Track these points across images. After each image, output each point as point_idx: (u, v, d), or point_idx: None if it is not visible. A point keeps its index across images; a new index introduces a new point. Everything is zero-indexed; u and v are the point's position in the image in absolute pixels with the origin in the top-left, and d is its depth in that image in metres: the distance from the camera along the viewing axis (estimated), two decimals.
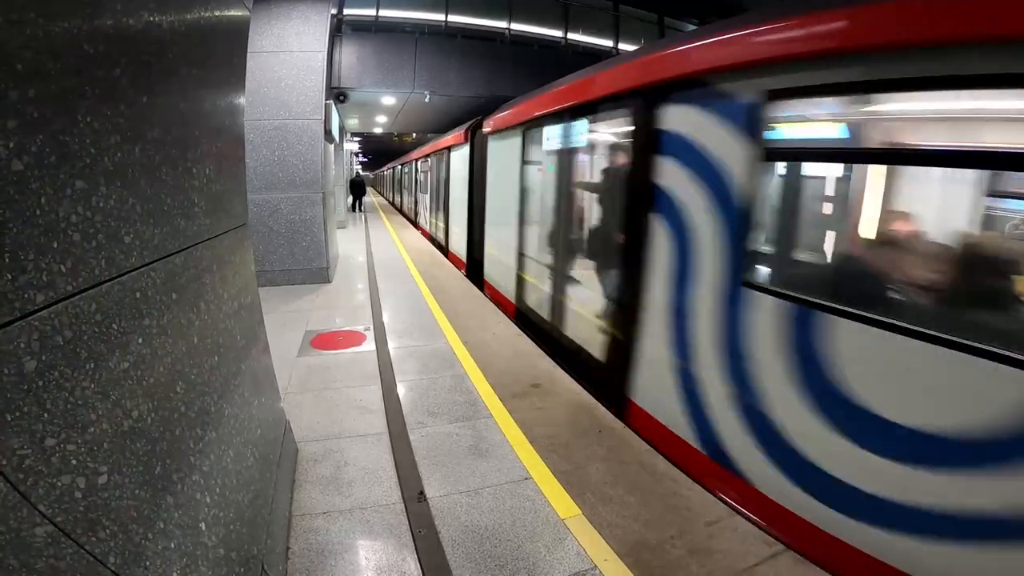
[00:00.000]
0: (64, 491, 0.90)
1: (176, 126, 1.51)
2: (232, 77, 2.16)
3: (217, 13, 1.86)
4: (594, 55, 14.14)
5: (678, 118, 3.42)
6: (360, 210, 22.88)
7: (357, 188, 23.14)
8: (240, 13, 2.18)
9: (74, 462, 0.93)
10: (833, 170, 3.35)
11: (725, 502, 2.90)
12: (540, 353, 5.17)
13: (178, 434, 1.36)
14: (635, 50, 4.82)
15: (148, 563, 1.13)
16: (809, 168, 3.32)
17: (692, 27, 16.42)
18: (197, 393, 1.53)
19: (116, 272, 1.13)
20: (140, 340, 1.21)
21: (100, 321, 1.06)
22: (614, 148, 4.65)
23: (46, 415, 0.88)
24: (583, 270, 5.16)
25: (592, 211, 5.04)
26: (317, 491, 2.86)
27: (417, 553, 2.44)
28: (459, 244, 10.43)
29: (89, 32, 1.05)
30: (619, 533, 2.60)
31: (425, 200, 15.89)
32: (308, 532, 2.54)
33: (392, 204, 30.64)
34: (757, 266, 3.00)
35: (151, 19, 1.30)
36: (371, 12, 13.36)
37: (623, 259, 4.06)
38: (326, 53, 7.63)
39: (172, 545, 1.24)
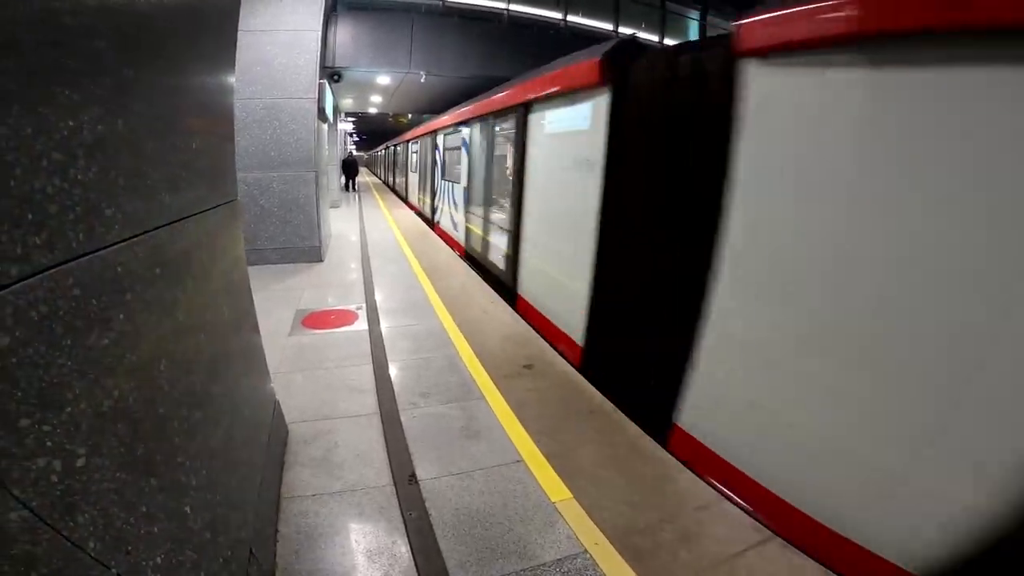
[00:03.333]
0: (40, 474, 0.87)
1: (162, 100, 1.47)
2: (221, 53, 2.10)
3: None
4: (594, 38, 13.96)
5: (467, 135, 9.12)
6: (354, 189, 22.77)
7: (349, 167, 23.01)
8: None
9: (50, 444, 0.89)
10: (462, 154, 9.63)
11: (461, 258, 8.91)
12: (533, 334, 5.15)
13: (162, 414, 1.32)
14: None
15: (130, 548, 1.09)
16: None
17: (695, 12, 16.33)
18: (182, 372, 1.49)
19: (96, 245, 1.08)
20: (121, 316, 1.17)
21: (78, 296, 1.01)
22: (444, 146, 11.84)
23: (19, 394, 0.84)
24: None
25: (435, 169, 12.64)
26: (307, 473, 2.84)
27: (408, 536, 2.44)
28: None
29: (72, 5, 1.02)
30: (609, 517, 2.60)
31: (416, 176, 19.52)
32: (297, 515, 2.52)
33: (386, 184, 30.56)
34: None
35: None
36: None
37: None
38: (320, 32, 7.48)
39: (156, 529, 1.21)
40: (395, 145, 26.11)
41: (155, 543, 1.20)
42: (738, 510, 2.69)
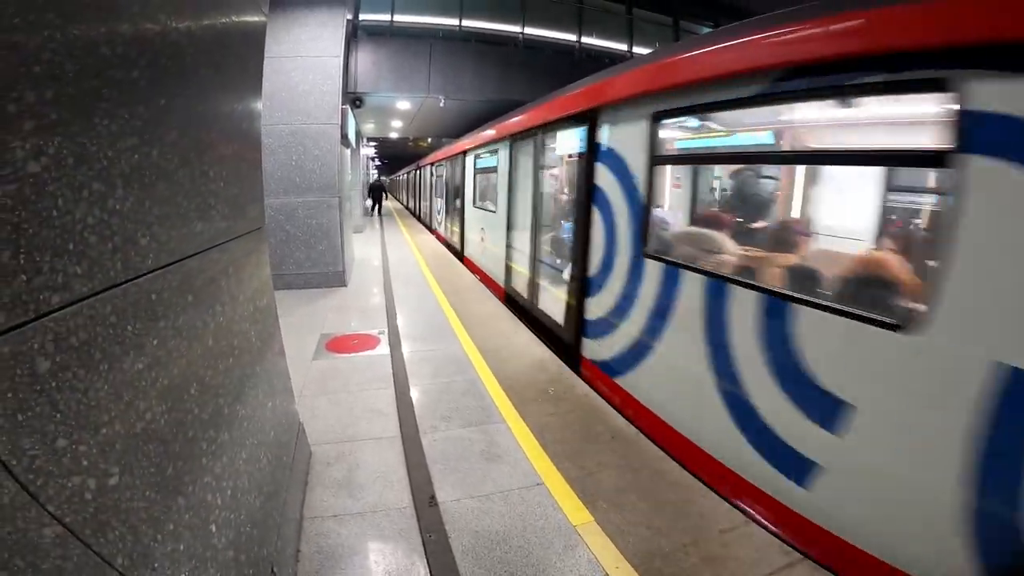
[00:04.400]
0: (74, 492, 0.90)
1: (193, 129, 1.51)
2: (249, 81, 2.17)
3: (234, 18, 1.87)
4: (609, 59, 14.10)
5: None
6: (380, 213, 23.12)
7: (376, 192, 23.40)
8: (256, 18, 2.20)
9: (85, 463, 0.93)
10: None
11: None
12: (554, 359, 5.14)
13: (191, 436, 1.36)
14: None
15: (156, 564, 1.13)
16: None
17: (707, 29, 16.37)
18: (211, 395, 1.53)
19: (132, 274, 1.13)
20: (155, 342, 1.21)
21: (115, 323, 1.06)
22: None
23: (58, 416, 0.88)
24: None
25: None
26: (329, 494, 2.87)
27: (427, 558, 2.43)
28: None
29: (107, 34, 1.05)
30: (631, 540, 2.57)
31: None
32: (319, 535, 2.54)
33: (414, 214, 30.60)
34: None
35: (168, 22, 1.30)
36: (386, 17, 13.50)
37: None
38: (342, 58, 7.67)
39: (181, 547, 1.24)
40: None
41: (180, 560, 1.23)
42: (765, 532, 2.64)
